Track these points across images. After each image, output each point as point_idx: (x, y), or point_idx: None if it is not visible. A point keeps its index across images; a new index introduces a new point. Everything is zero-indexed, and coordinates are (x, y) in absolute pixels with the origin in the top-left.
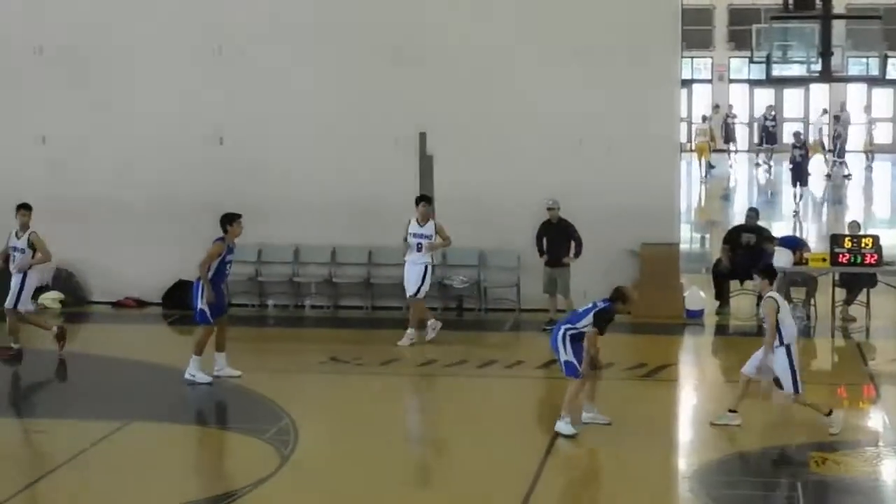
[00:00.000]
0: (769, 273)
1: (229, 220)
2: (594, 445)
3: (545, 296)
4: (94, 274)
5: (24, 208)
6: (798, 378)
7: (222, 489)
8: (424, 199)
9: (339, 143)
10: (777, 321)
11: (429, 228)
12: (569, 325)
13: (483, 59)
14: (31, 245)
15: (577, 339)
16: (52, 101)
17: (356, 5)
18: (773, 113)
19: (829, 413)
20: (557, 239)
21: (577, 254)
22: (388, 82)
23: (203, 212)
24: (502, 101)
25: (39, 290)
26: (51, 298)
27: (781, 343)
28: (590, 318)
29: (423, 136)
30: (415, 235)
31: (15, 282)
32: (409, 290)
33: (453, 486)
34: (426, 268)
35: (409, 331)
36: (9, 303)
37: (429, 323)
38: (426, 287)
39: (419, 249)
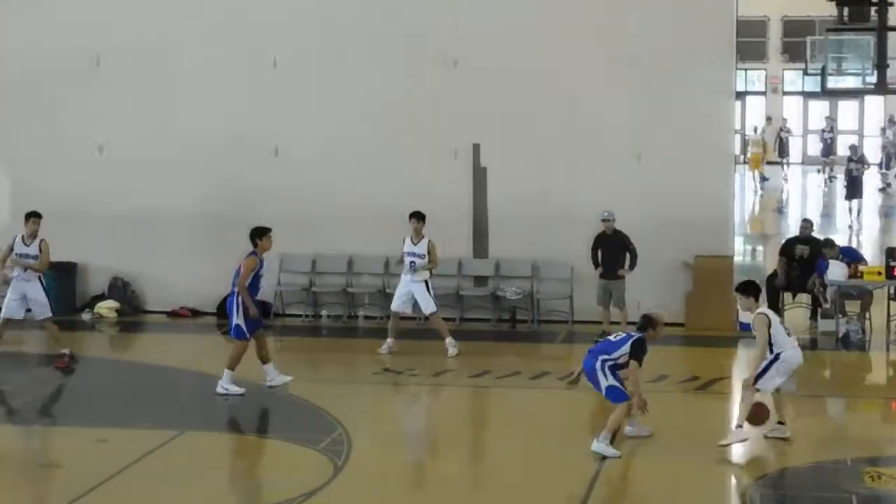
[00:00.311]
0: (750, 290)
1: (259, 235)
2: (646, 459)
3: (599, 307)
4: (149, 283)
5: (35, 216)
6: (764, 377)
7: (275, 499)
8: (416, 216)
9: (392, 155)
10: (770, 335)
11: (421, 247)
12: (605, 356)
13: (537, 71)
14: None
15: (615, 369)
16: (109, 112)
17: (410, 16)
18: (831, 126)
19: (741, 426)
20: (612, 251)
21: (633, 266)
22: (442, 93)
23: (258, 222)
24: (556, 112)
25: (95, 299)
26: (106, 307)
27: (772, 351)
28: (626, 347)
29: (476, 148)
30: (408, 254)
31: (35, 291)
32: (427, 309)
33: (505, 498)
34: (427, 284)
35: (448, 339)
36: (41, 314)
37: (388, 341)
38: (435, 300)
39: (412, 268)
